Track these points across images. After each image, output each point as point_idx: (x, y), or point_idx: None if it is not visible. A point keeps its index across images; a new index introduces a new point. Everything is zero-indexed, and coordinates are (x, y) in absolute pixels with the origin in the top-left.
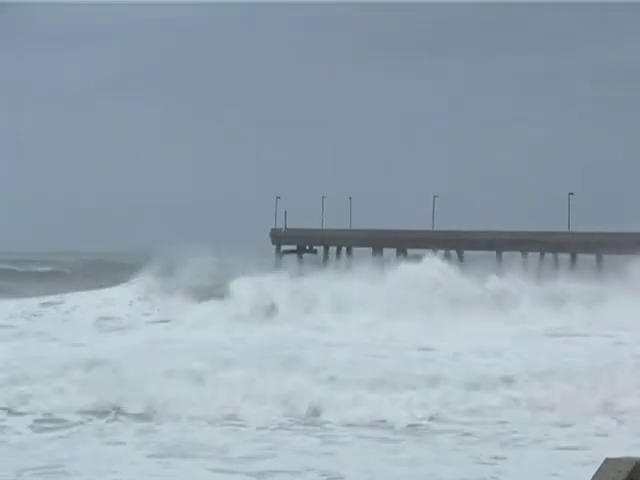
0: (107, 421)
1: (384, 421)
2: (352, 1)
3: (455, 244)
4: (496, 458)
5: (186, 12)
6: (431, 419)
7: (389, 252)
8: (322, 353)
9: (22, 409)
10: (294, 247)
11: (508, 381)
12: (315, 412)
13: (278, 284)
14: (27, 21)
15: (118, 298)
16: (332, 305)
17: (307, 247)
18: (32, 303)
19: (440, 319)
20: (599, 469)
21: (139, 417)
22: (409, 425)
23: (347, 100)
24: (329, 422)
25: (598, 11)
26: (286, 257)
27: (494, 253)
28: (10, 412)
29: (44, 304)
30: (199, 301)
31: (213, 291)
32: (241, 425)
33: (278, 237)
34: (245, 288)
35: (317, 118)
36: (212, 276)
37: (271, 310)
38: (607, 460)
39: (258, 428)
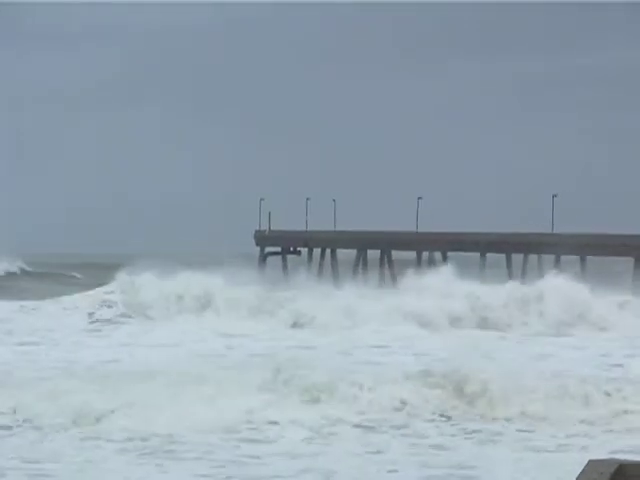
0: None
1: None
2: (344, 1)
3: (439, 245)
4: (477, 458)
5: (185, 14)
6: (413, 416)
7: (373, 254)
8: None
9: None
10: (278, 249)
11: (489, 382)
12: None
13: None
14: (27, 21)
15: (105, 299)
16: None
17: (291, 249)
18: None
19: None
20: (582, 471)
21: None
22: (393, 424)
23: (331, 102)
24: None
25: (597, 11)
26: (270, 259)
27: (478, 255)
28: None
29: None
30: (179, 307)
31: (196, 297)
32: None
33: (262, 239)
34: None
35: (301, 120)
36: (196, 280)
37: (265, 318)
38: (590, 462)
39: (249, 428)
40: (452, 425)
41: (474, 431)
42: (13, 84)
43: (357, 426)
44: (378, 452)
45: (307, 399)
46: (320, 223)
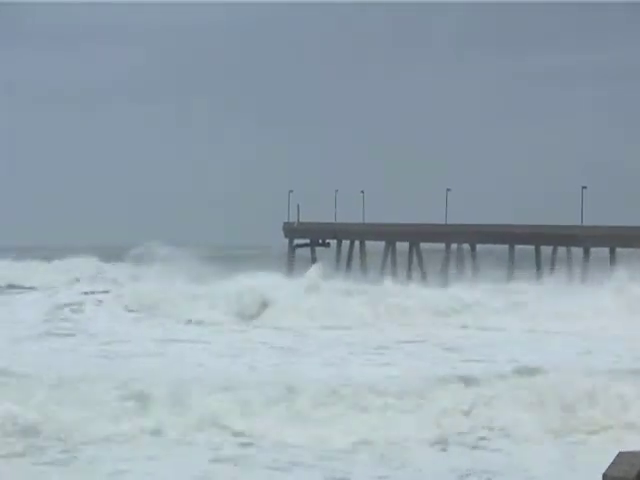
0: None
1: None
2: (362, 1)
3: (468, 238)
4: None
5: (187, 13)
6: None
7: (402, 246)
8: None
9: None
10: (307, 241)
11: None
12: None
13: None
14: (27, 21)
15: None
16: None
17: (320, 241)
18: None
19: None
20: (613, 462)
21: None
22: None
23: (360, 95)
24: None
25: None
26: (299, 251)
27: (507, 247)
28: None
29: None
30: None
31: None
32: None
33: (291, 231)
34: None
35: (329, 113)
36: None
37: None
38: (620, 453)
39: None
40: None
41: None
42: (13, 84)
43: None
44: None
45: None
46: (349, 215)
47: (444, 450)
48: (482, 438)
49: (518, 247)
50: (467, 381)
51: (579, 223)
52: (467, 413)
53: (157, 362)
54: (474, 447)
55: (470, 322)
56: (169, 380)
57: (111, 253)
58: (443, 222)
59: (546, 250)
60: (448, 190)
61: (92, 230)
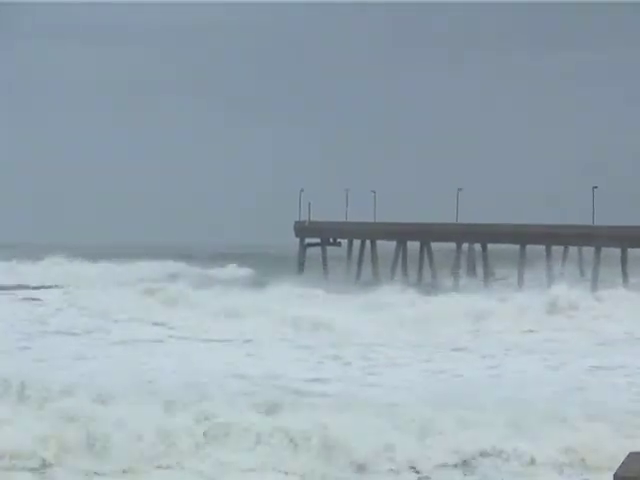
0: None
1: None
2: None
3: (479, 237)
4: None
5: (193, 13)
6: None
7: (413, 245)
8: None
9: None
10: (318, 240)
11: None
12: None
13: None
14: (27, 21)
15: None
16: None
17: (331, 240)
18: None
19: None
20: (623, 463)
21: None
22: None
23: (371, 95)
24: None
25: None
26: (310, 250)
27: (518, 246)
28: None
29: None
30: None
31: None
32: None
33: (302, 230)
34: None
35: (341, 112)
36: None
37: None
38: (630, 454)
39: None
40: None
41: None
42: (13, 84)
43: None
44: None
45: None
46: (360, 214)
47: None
48: None
49: (529, 247)
50: None
51: (590, 223)
52: None
53: None
54: None
55: None
56: None
57: (111, 253)
58: (454, 221)
59: (557, 250)
60: (459, 190)
61: (91, 230)
